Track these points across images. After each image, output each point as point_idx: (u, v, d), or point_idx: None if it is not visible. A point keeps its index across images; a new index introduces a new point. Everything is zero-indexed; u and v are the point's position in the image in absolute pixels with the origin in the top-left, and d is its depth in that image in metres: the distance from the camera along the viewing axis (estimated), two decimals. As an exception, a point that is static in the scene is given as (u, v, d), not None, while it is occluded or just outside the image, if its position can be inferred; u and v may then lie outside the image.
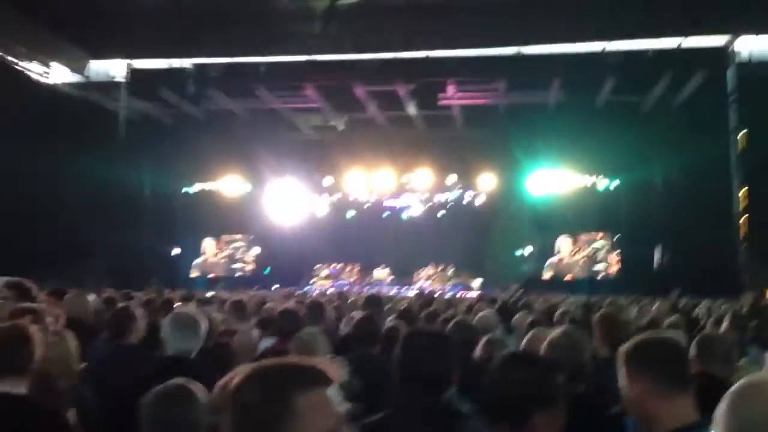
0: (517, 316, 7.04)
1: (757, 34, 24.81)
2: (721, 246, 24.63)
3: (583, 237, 29.71)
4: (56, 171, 21.29)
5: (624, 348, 2.65)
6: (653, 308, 10.07)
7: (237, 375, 1.59)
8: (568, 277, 29.35)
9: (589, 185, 28.92)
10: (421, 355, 3.05)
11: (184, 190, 29.50)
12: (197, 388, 2.87)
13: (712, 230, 24.46)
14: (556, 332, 3.79)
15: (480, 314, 6.31)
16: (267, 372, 1.54)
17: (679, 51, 24.79)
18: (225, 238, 31.77)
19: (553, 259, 29.73)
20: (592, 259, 29.56)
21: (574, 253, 29.68)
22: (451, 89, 25.95)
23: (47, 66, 25.64)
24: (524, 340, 4.53)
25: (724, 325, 6.15)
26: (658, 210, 26.68)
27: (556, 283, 28.10)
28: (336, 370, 1.59)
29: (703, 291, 18.50)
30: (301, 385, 1.50)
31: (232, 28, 26.01)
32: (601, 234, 29.59)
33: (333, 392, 1.53)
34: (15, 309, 4.20)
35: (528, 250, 29.14)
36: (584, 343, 3.70)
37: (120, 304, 6.46)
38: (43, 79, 25.65)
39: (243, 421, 1.49)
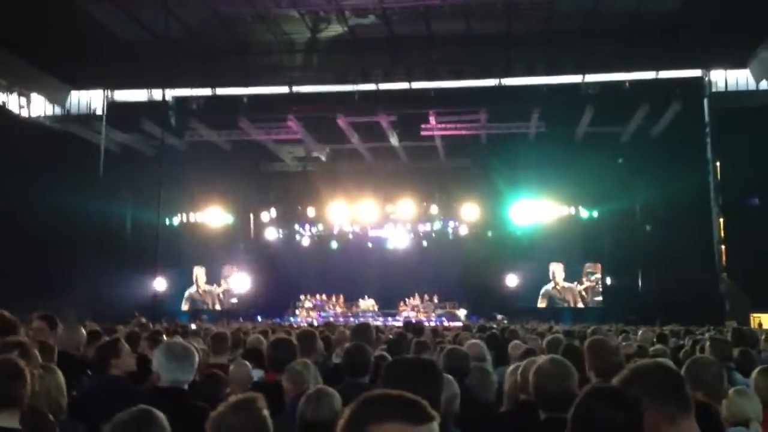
0: (511, 345, 7.05)
1: (726, 69, 25.49)
2: (702, 274, 24.90)
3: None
4: (35, 204, 21.12)
5: (623, 376, 2.64)
6: (638, 336, 10.10)
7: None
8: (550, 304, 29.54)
9: (571, 214, 29.15)
10: (402, 383, 3.00)
11: (166, 222, 29.29)
12: (161, 416, 2.83)
13: (693, 259, 24.76)
14: (543, 360, 3.78)
15: (469, 342, 6.29)
16: (358, 402, 1.66)
17: (655, 82, 25.36)
18: (208, 269, 31.55)
19: (548, 286, 29.83)
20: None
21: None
22: (432, 120, 26.18)
23: (27, 98, 25.60)
24: (519, 370, 4.50)
25: (707, 351, 6.17)
26: (639, 239, 26.93)
27: (540, 311, 28.16)
28: (426, 409, 1.64)
29: (684, 319, 18.63)
30: (377, 416, 1.60)
31: (214, 60, 26.19)
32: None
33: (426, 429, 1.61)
34: (3, 342, 4.13)
35: (511, 279, 29.19)
36: (571, 371, 3.69)
37: (105, 338, 6.38)
38: (22, 112, 25.61)
39: None
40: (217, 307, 31.24)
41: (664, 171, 24.74)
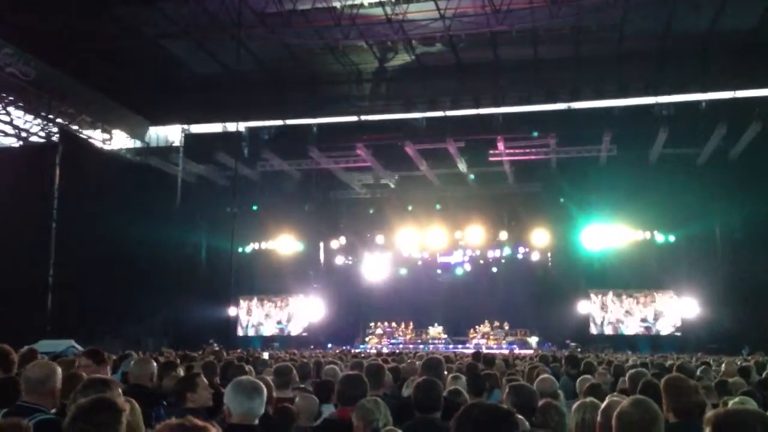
0: (579, 379, 6.85)
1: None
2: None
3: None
4: (117, 232, 21.91)
5: (715, 419, 2.55)
6: (722, 368, 9.68)
7: None
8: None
9: (645, 240, 28.28)
10: (476, 429, 2.99)
11: (239, 249, 29.98)
12: None
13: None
14: (625, 404, 3.62)
15: (540, 377, 6.17)
16: None
17: (732, 102, 24.39)
18: (279, 296, 31.97)
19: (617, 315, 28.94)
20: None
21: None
22: (501, 145, 26.02)
23: (109, 133, 26.77)
24: (597, 407, 4.33)
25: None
26: (718, 265, 25.87)
27: (616, 339, 27.34)
28: None
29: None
30: None
31: (285, 91, 26.84)
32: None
33: None
34: (91, 379, 4.27)
35: (585, 305, 28.48)
36: (656, 416, 3.51)
37: (179, 370, 6.55)
38: (105, 145, 26.77)
39: None
40: (286, 332, 31.52)
41: (744, 194, 23.78)
